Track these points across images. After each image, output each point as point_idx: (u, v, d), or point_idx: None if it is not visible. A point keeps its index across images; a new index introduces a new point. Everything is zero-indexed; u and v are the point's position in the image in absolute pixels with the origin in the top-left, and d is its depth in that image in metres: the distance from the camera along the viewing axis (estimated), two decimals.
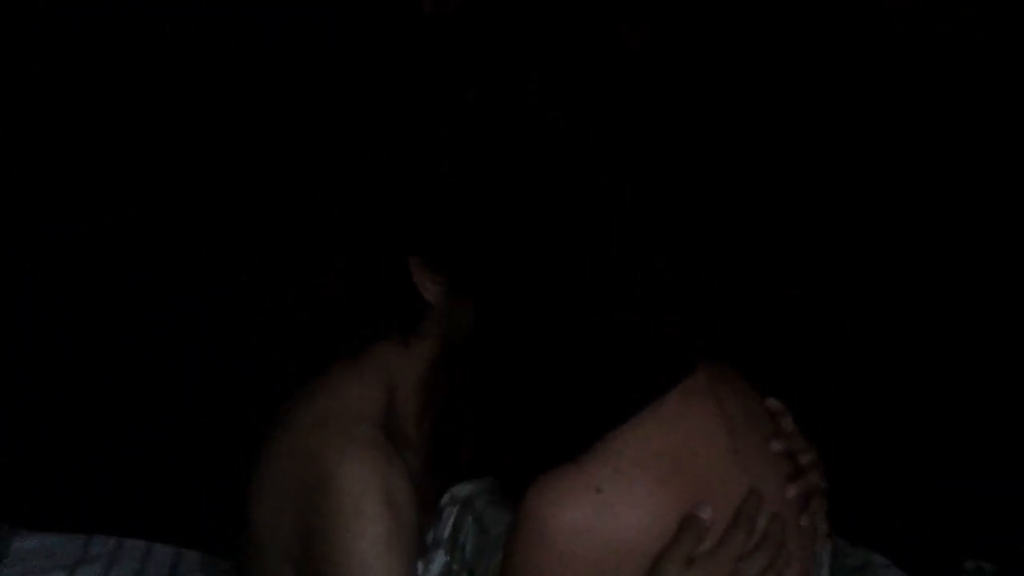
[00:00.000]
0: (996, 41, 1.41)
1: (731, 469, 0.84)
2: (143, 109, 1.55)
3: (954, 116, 1.43)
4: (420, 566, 0.91)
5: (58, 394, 1.48)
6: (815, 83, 1.47)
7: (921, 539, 1.24)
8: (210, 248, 1.54)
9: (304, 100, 1.54)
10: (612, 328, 0.81)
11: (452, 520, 0.92)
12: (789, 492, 0.88)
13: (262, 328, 1.50)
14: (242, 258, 1.53)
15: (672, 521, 0.81)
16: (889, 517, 1.26)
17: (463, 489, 0.93)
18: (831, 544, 0.93)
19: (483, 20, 1.37)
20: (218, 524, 1.10)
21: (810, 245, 1.46)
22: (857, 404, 1.39)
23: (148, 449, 1.45)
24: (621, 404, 0.82)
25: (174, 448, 1.45)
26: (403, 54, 1.44)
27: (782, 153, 1.46)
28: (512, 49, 1.18)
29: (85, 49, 1.52)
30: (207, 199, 1.55)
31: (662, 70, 1.44)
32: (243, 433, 1.00)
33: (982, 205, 1.43)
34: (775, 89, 1.47)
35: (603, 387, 0.82)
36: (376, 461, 0.90)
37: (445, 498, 0.93)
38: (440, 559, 0.91)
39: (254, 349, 1.49)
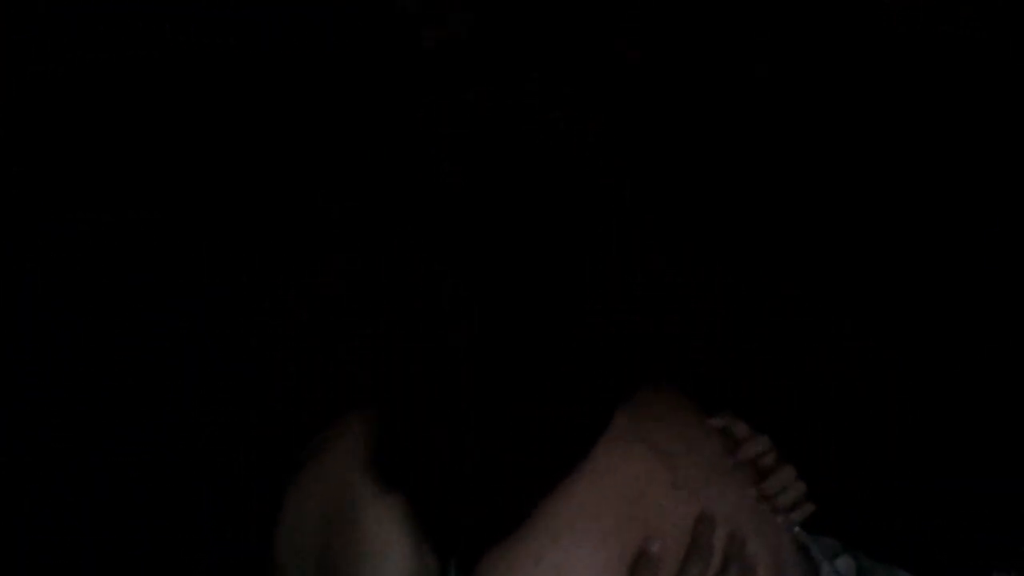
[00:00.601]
0: (996, 41, 1.41)
1: (677, 500, 0.84)
2: (143, 109, 1.55)
3: (954, 116, 1.43)
4: None
5: (59, 395, 1.48)
6: (815, 83, 1.47)
7: (944, 550, 1.24)
8: (210, 248, 1.53)
9: (304, 100, 1.54)
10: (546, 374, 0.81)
11: None
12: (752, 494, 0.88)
13: (262, 328, 1.49)
14: (242, 258, 1.53)
15: (624, 568, 0.81)
16: (909, 529, 1.26)
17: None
18: (855, 562, 0.94)
19: (486, 54, 1.37)
20: (234, 564, 1.10)
21: (810, 245, 1.46)
22: (857, 404, 1.39)
23: (159, 472, 1.44)
24: (544, 470, 0.82)
25: (187, 472, 1.44)
26: (403, 76, 1.44)
27: (782, 153, 1.46)
28: (514, 58, 1.18)
29: (85, 49, 1.52)
30: (207, 199, 1.55)
31: (661, 73, 1.44)
32: (254, 452, 0.99)
33: (982, 205, 1.43)
34: (774, 88, 1.47)
35: (526, 453, 0.83)
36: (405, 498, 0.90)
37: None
38: None
39: (254, 349, 1.49)
